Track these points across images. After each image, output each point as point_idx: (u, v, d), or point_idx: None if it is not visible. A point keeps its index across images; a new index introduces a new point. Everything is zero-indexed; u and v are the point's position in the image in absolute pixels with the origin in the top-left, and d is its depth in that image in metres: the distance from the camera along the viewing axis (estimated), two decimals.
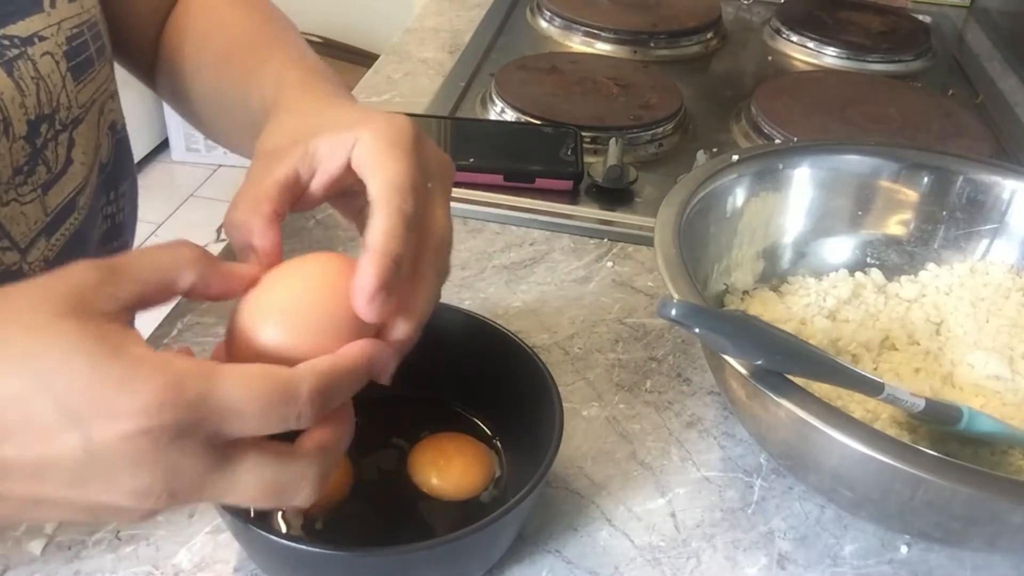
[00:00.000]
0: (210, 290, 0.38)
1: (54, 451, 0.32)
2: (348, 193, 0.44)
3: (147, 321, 0.62)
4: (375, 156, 0.41)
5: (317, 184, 0.42)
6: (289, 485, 0.35)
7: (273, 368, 0.34)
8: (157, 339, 0.63)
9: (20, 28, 0.51)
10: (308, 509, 0.47)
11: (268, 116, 0.48)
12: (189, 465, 0.33)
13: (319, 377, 0.35)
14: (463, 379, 0.55)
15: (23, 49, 0.51)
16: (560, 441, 0.47)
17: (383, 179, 0.40)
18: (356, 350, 0.37)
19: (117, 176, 0.65)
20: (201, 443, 0.33)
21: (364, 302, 0.37)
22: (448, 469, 0.51)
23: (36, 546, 0.48)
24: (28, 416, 0.31)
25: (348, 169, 0.41)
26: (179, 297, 0.37)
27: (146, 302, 0.36)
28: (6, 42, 0.50)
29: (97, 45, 0.58)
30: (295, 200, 0.42)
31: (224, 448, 0.34)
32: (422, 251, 0.41)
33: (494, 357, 0.53)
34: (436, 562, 0.44)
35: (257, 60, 0.55)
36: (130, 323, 0.35)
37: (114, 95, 0.63)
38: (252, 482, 0.34)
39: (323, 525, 0.49)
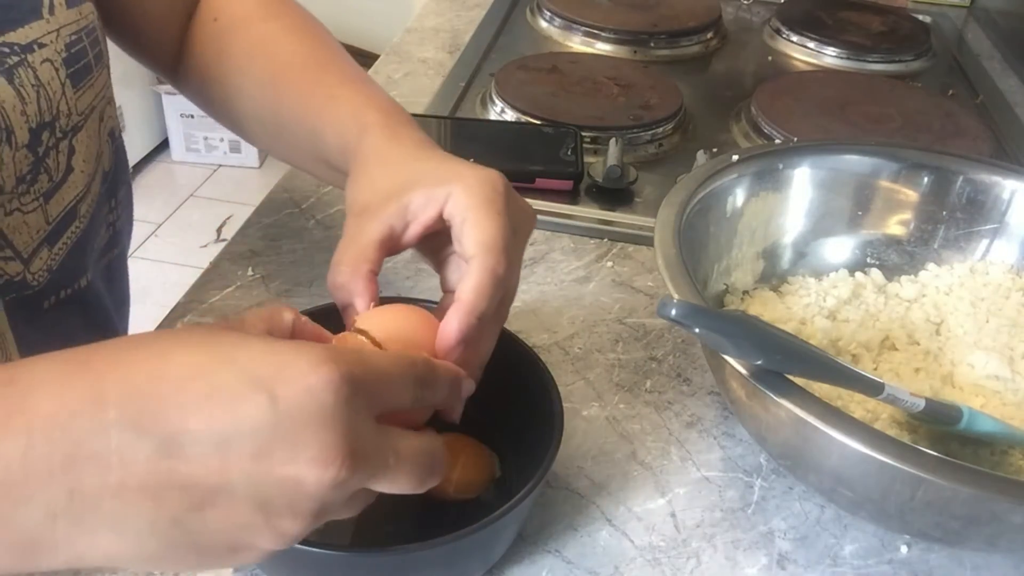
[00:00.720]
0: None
1: (241, 415, 0.32)
2: (432, 237, 0.47)
3: (146, 320, 0.62)
4: (469, 213, 0.44)
5: (410, 236, 0.46)
6: (437, 455, 0.37)
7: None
8: None
9: (19, 35, 0.51)
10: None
11: (352, 160, 0.51)
12: (364, 427, 0.34)
13: (445, 366, 0.38)
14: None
15: (23, 56, 0.51)
16: (560, 441, 0.47)
17: (478, 239, 0.43)
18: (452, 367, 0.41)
19: (116, 183, 0.65)
20: (367, 407, 0.34)
21: (445, 349, 0.42)
22: (449, 469, 0.51)
23: None
24: (213, 386, 0.32)
25: (439, 220, 0.45)
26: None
27: None
28: (6, 50, 0.50)
29: (95, 51, 0.58)
30: (390, 254, 0.46)
31: (381, 420, 0.35)
32: (499, 306, 0.45)
33: (494, 357, 0.53)
34: (436, 562, 0.44)
35: (317, 87, 0.57)
36: None
37: (111, 101, 0.63)
38: (412, 450, 0.36)
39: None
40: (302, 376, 0.32)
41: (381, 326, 0.42)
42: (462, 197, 0.44)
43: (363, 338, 0.42)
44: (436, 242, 0.48)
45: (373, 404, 0.34)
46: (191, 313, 0.65)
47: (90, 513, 0.32)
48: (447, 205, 0.45)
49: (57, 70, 0.53)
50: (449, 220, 0.45)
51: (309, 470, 0.32)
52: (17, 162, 0.51)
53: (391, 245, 0.46)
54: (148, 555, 0.33)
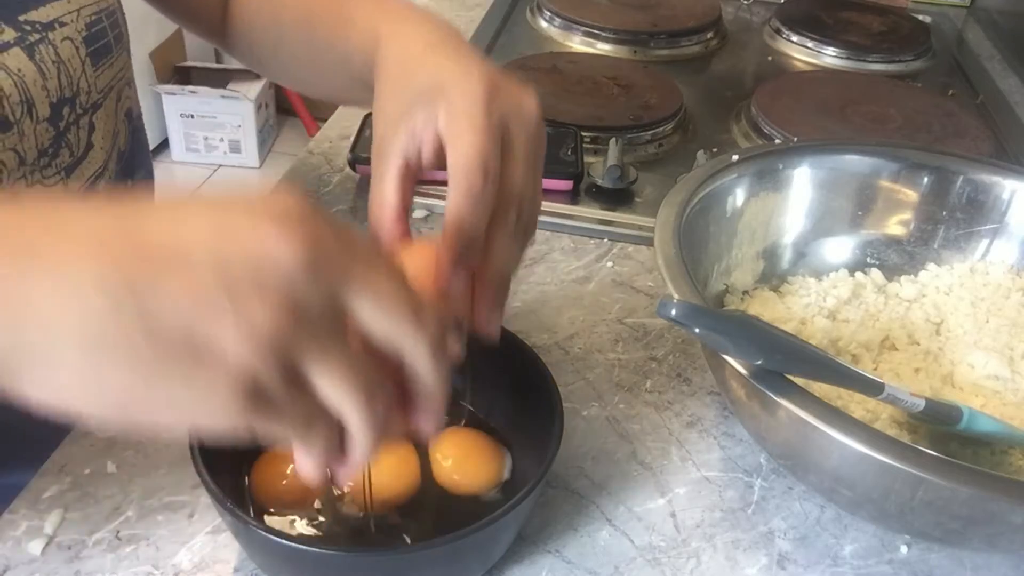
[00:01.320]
0: None
1: (201, 201, 0.30)
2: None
3: None
4: (447, 133, 0.43)
5: (426, 162, 0.44)
6: (375, 389, 0.32)
7: None
8: None
9: (41, 14, 0.53)
10: (376, 507, 0.48)
11: (374, 80, 0.49)
12: (319, 301, 0.30)
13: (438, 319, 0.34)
14: (465, 379, 0.55)
15: (44, 34, 0.53)
16: (560, 441, 0.47)
17: (452, 162, 0.42)
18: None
19: (133, 164, 0.66)
20: (336, 297, 0.31)
21: (444, 282, 0.41)
22: (465, 463, 0.51)
23: (36, 546, 0.48)
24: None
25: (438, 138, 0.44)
26: None
27: None
28: (28, 27, 0.52)
29: (115, 32, 0.59)
30: (416, 180, 0.45)
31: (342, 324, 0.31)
32: (496, 217, 0.42)
33: (494, 357, 0.53)
34: (436, 562, 0.44)
35: (343, 10, 0.56)
36: None
37: (130, 83, 0.64)
38: (357, 364, 0.32)
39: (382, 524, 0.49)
40: (282, 202, 0.30)
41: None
42: (443, 117, 0.43)
43: None
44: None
45: (341, 302, 0.31)
46: None
47: (33, 259, 0.29)
48: (439, 126, 0.44)
49: (77, 48, 0.55)
50: (443, 142, 0.44)
51: (275, 244, 0.29)
52: (38, 135, 0.53)
53: (412, 176, 0.45)
54: (89, 342, 0.28)
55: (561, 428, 0.48)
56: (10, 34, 0.51)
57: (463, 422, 0.54)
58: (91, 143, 0.58)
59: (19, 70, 0.51)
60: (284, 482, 0.48)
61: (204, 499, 0.51)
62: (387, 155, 0.44)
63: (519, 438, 0.53)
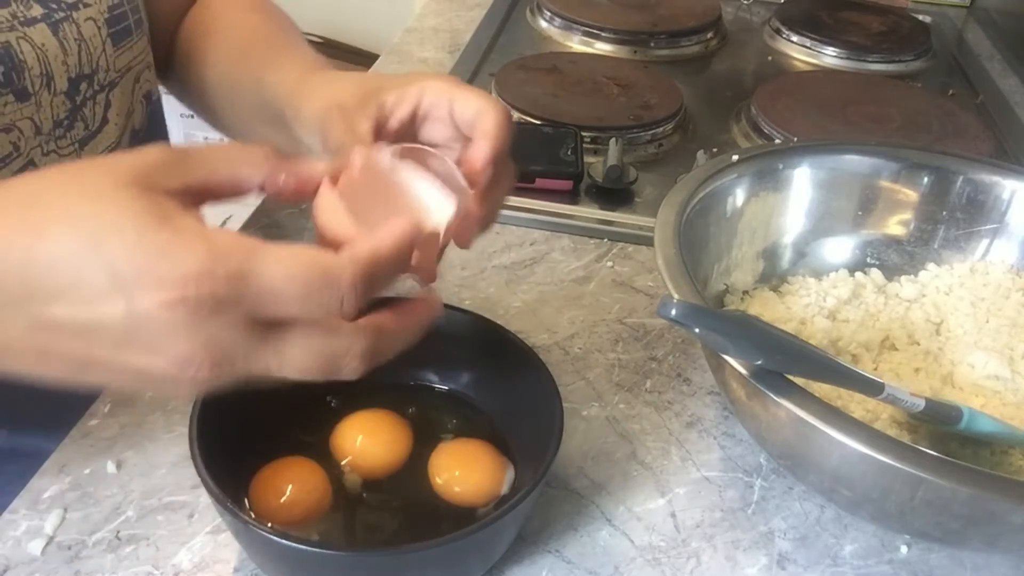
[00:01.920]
0: (280, 187, 0.39)
1: (100, 314, 0.33)
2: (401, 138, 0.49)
3: None
4: (454, 93, 0.48)
5: (395, 123, 0.48)
6: (337, 356, 0.36)
7: (317, 252, 0.34)
8: None
9: None
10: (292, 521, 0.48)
11: (299, 93, 0.53)
12: (230, 337, 0.33)
13: (361, 265, 0.35)
14: (466, 378, 0.55)
15: (68, 13, 0.56)
16: (560, 441, 0.47)
17: (478, 102, 0.47)
18: (397, 231, 0.37)
19: (150, 143, 0.67)
20: (242, 318, 0.33)
21: (477, 170, 0.45)
22: (466, 475, 0.50)
23: (36, 546, 0.48)
24: (79, 277, 0.33)
25: (412, 119, 0.49)
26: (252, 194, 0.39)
27: (213, 192, 0.37)
28: (54, 5, 0.55)
29: (135, 17, 0.62)
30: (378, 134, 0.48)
31: (269, 324, 0.34)
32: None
33: (494, 357, 0.53)
34: (436, 562, 0.44)
35: (273, 55, 0.61)
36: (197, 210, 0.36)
37: (150, 66, 0.67)
38: (299, 354, 0.35)
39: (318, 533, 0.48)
40: (159, 289, 0.32)
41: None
42: (438, 85, 0.48)
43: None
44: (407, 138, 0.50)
45: (252, 313, 0.34)
46: None
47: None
48: (423, 100, 0.48)
49: (99, 28, 0.58)
50: (428, 111, 0.49)
51: (170, 367, 0.33)
52: (55, 107, 0.56)
53: (378, 134, 0.48)
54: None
55: (561, 428, 0.48)
56: (37, 10, 0.54)
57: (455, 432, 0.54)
58: (106, 119, 0.61)
59: (43, 44, 0.54)
60: (283, 499, 0.48)
61: (204, 499, 0.51)
62: (359, 111, 0.48)
63: (519, 438, 0.53)
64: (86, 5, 0.57)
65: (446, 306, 0.54)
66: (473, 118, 0.47)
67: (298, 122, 0.53)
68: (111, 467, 0.53)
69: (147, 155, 0.36)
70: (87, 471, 0.53)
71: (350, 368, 0.36)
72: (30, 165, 0.55)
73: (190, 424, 0.45)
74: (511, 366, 0.52)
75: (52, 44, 0.55)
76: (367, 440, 0.52)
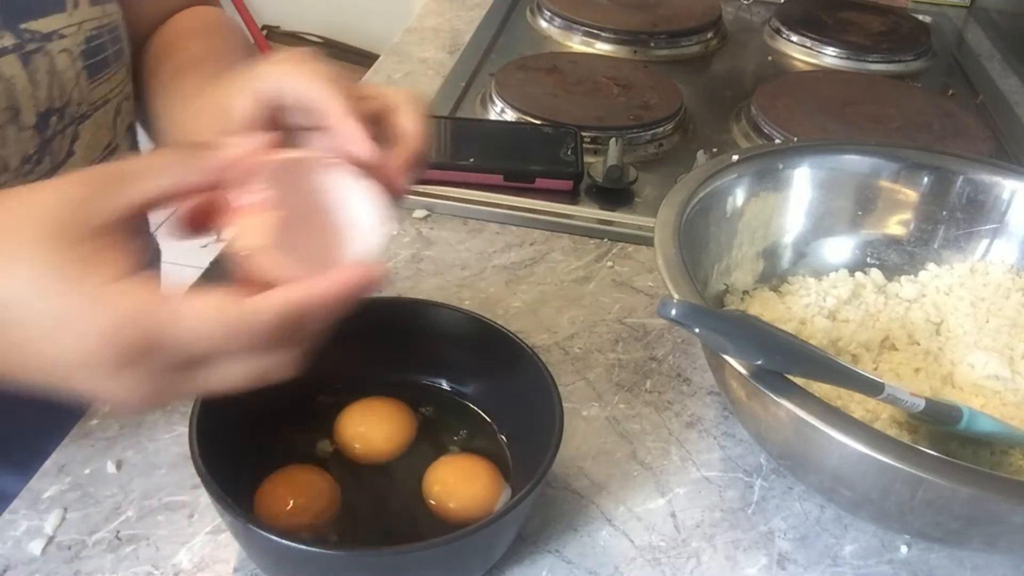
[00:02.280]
0: (202, 184, 0.38)
1: (27, 347, 0.35)
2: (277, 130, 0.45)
3: None
4: (281, 73, 0.44)
5: (236, 124, 0.44)
6: (265, 370, 0.36)
7: (237, 304, 0.34)
8: None
9: (42, 24, 0.54)
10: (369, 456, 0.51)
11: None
12: (151, 381, 0.35)
13: (284, 307, 0.35)
14: (466, 378, 0.55)
15: (42, 44, 0.54)
16: (560, 441, 0.47)
17: (399, 98, 0.46)
18: (336, 277, 0.36)
19: None
20: (161, 365, 0.34)
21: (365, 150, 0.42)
22: (460, 490, 0.50)
23: (36, 546, 0.48)
24: (7, 310, 0.34)
25: (259, 105, 0.44)
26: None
27: (157, 205, 0.37)
28: (27, 35, 0.53)
29: (115, 48, 0.60)
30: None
31: (190, 361, 0.35)
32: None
33: (494, 357, 0.53)
34: (436, 562, 0.44)
35: (205, 76, 0.58)
36: (141, 224, 0.37)
37: (130, 97, 0.65)
38: (226, 377, 0.36)
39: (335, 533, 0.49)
40: (76, 344, 0.33)
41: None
42: (270, 72, 0.44)
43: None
44: (279, 130, 0.45)
45: (173, 359, 0.34)
46: None
47: None
48: (259, 86, 0.44)
49: (75, 60, 0.56)
50: (274, 98, 0.44)
51: (97, 397, 0.35)
52: (22, 141, 0.53)
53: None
54: None
55: (561, 428, 0.48)
56: (9, 40, 0.52)
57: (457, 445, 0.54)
58: (72, 151, 0.58)
59: (11, 76, 0.52)
60: (288, 508, 0.48)
61: (204, 499, 0.51)
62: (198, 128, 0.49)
63: (519, 438, 0.53)
64: (61, 36, 0.55)
65: (448, 306, 0.54)
66: (308, 99, 0.43)
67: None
68: (111, 467, 0.53)
69: (72, 190, 0.35)
70: (87, 471, 0.53)
71: (281, 373, 0.37)
72: None
73: (190, 423, 0.45)
74: (511, 366, 0.52)
75: (21, 77, 0.52)
76: (371, 424, 0.53)
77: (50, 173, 0.56)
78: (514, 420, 0.53)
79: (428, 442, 0.53)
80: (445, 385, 0.56)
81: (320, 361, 0.53)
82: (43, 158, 0.56)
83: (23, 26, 0.53)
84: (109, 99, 0.61)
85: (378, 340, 0.54)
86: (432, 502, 0.50)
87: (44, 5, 0.54)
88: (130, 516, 0.50)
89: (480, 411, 0.55)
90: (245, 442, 0.50)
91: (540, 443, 0.47)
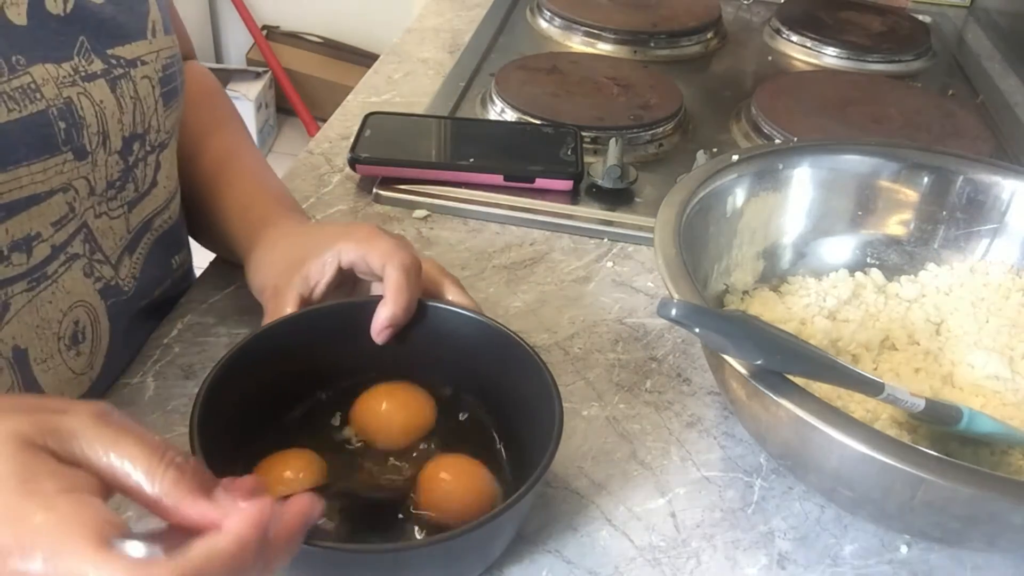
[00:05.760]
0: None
1: None
2: (340, 286, 0.57)
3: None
4: (365, 251, 0.54)
5: (318, 294, 0.56)
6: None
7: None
8: (157, 339, 0.63)
9: (127, 50, 0.56)
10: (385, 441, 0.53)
11: (246, 253, 0.61)
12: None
13: (181, 569, 0.33)
14: (465, 378, 0.55)
15: (127, 70, 0.55)
16: (559, 441, 0.47)
17: (378, 260, 0.54)
18: (234, 528, 0.34)
19: None
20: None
21: (378, 330, 0.53)
22: (454, 494, 0.49)
23: None
24: None
25: (339, 273, 0.55)
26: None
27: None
28: (113, 61, 0.54)
29: (181, 78, 0.62)
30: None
31: None
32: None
33: (495, 357, 0.53)
34: (434, 560, 0.44)
35: (220, 184, 0.67)
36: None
37: None
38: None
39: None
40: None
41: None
42: (350, 246, 0.55)
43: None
44: (346, 285, 0.58)
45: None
46: (191, 313, 0.65)
47: None
48: (343, 261, 0.55)
49: (154, 87, 0.58)
50: (352, 267, 0.55)
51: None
52: (109, 166, 0.55)
53: (306, 304, 0.55)
54: None
55: (561, 428, 0.48)
56: (98, 65, 0.53)
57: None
58: (156, 181, 0.60)
59: (101, 101, 0.53)
60: (286, 478, 0.48)
61: None
62: (286, 293, 0.55)
63: (519, 437, 0.53)
64: (143, 63, 0.57)
65: (448, 306, 0.54)
66: (381, 271, 0.54)
67: (246, 277, 0.61)
68: None
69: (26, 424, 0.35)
70: None
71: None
72: (83, 228, 0.54)
73: (190, 427, 0.46)
74: (511, 366, 0.52)
75: (110, 101, 0.54)
76: (390, 409, 0.53)
77: (133, 201, 0.58)
78: (514, 419, 0.53)
79: (427, 441, 0.53)
80: (446, 385, 0.56)
81: (318, 360, 0.54)
82: (126, 185, 0.57)
83: (110, 52, 0.54)
84: (177, 129, 0.63)
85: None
86: (424, 504, 0.49)
87: (129, 32, 0.56)
88: (130, 516, 0.50)
89: (480, 410, 0.55)
90: (248, 434, 0.51)
91: (540, 442, 0.47)
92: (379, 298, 0.53)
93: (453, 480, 0.50)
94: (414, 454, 0.52)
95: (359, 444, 0.53)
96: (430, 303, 0.55)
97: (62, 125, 0.51)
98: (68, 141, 0.51)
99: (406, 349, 0.55)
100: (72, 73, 0.52)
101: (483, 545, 0.46)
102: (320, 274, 0.55)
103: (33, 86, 0.49)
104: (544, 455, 0.46)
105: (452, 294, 0.57)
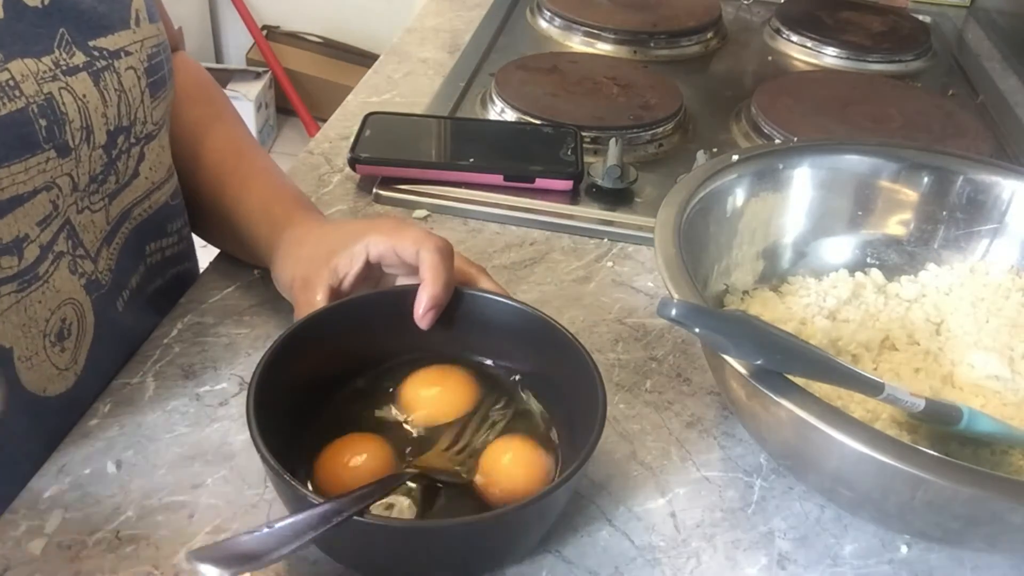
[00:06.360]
0: None
1: None
2: (366, 278, 0.58)
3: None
4: (393, 242, 0.55)
5: (347, 286, 0.56)
6: None
7: None
8: (157, 339, 0.63)
9: (109, 41, 0.54)
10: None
11: (271, 252, 0.61)
12: None
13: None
14: (509, 364, 0.57)
15: (110, 62, 0.54)
16: (604, 423, 0.48)
17: (414, 248, 0.54)
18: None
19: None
20: None
21: (421, 314, 0.53)
22: (513, 480, 0.50)
23: (36, 546, 0.48)
24: None
25: (367, 266, 0.56)
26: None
27: None
28: (96, 53, 0.53)
29: (168, 67, 0.61)
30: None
31: None
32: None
33: (535, 343, 0.54)
34: (502, 530, 0.45)
35: (232, 185, 0.67)
36: None
37: None
38: None
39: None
40: None
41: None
42: (378, 239, 0.56)
43: None
44: (371, 279, 0.59)
45: None
46: (191, 313, 0.65)
47: None
48: (371, 254, 0.56)
49: (139, 78, 0.57)
50: (379, 260, 0.56)
51: None
52: (92, 161, 0.54)
53: (335, 298, 0.56)
54: None
55: (605, 411, 0.49)
56: (80, 58, 0.52)
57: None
58: (137, 172, 0.59)
59: (84, 95, 0.52)
60: (348, 470, 0.49)
61: (204, 500, 0.51)
62: (316, 285, 0.56)
63: (567, 421, 0.54)
64: (127, 53, 0.55)
65: (482, 293, 0.56)
66: (414, 258, 0.54)
67: (273, 276, 0.61)
68: (111, 467, 0.53)
69: None
70: (87, 471, 0.53)
71: None
72: (66, 225, 0.53)
73: (247, 413, 0.46)
74: (552, 352, 0.53)
75: (93, 95, 0.53)
76: (437, 388, 0.55)
77: (114, 193, 0.58)
78: (559, 404, 0.54)
79: (483, 418, 0.54)
80: (490, 371, 0.57)
81: (363, 349, 0.56)
82: (108, 177, 0.56)
83: (92, 43, 0.53)
84: (167, 121, 0.62)
85: (418, 328, 0.55)
86: (481, 486, 0.50)
87: (112, 22, 0.55)
88: (130, 516, 0.50)
89: (528, 395, 0.56)
90: (298, 427, 0.51)
91: (585, 424, 0.49)
92: (417, 285, 0.54)
93: (513, 461, 0.51)
94: (469, 436, 0.53)
95: (410, 422, 0.54)
96: (467, 290, 0.55)
97: (43, 123, 0.49)
98: (50, 139, 0.50)
99: (448, 336, 0.56)
100: (53, 67, 0.50)
101: (541, 516, 0.47)
102: (349, 266, 0.56)
103: (12, 83, 0.48)
104: (590, 435, 0.47)
105: (485, 283, 0.58)
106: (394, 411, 0.54)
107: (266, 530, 0.40)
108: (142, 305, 0.64)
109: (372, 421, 0.54)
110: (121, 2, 0.56)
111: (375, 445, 0.51)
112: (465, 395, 0.55)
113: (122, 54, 0.55)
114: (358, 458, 0.50)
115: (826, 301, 0.63)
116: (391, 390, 0.55)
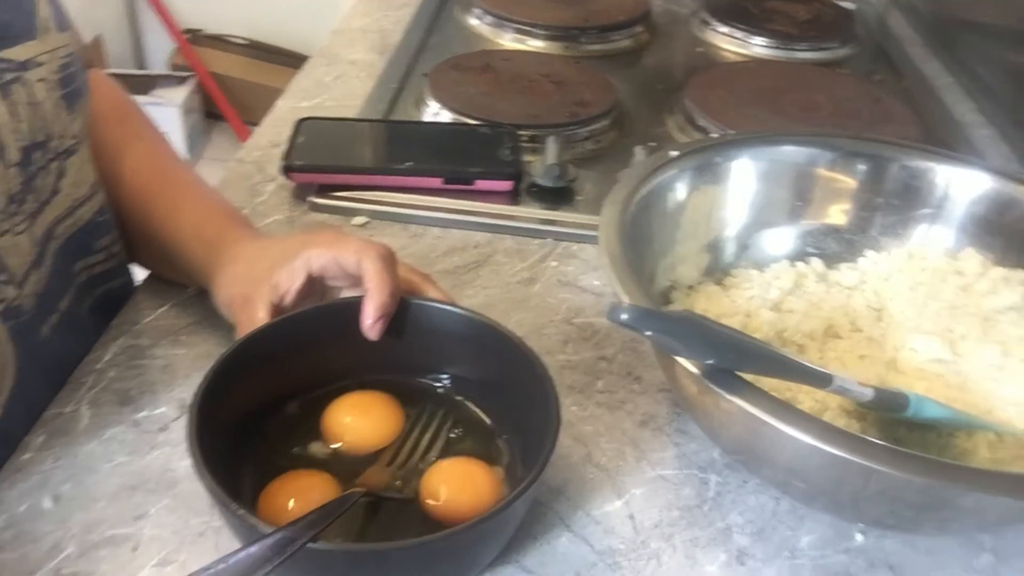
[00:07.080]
0: None
1: None
2: (310, 292, 0.56)
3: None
4: (335, 254, 0.54)
5: (288, 302, 0.55)
6: None
7: None
8: (89, 365, 0.60)
9: (16, 52, 0.52)
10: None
11: (207, 272, 0.59)
12: None
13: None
14: (457, 373, 0.56)
15: (19, 74, 0.51)
16: (559, 428, 0.48)
17: (357, 260, 0.53)
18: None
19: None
20: None
21: (369, 325, 0.52)
22: (459, 497, 0.49)
23: None
24: None
25: (309, 280, 0.55)
26: None
27: None
28: (3, 65, 0.50)
29: (84, 77, 0.58)
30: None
31: None
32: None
33: (482, 350, 0.53)
34: (450, 551, 0.44)
35: (163, 204, 0.65)
36: None
37: None
38: None
39: None
40: None
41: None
42: (318, 252, 0.54)
43: None
44: (315, 294, 0.57)
45: None
46: (125, 335, 0.63)
47: None
48: (312, 268, 0.54)
49: (52, 90, 0.54)
50: (322, 273, 0.55)
51: None
52: (8, 180, 0.51)
53: (277, 315, 0.54)
54: None
55: (559, 415, 0.48)
56: None
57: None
58: (58, 188, 0.57)
59: None
60: (290, 507, 0.47)
61: (148, 531, 0.49)
62: (256, 303, 0.54)
63: (518, 428, 0.53)
64: (37, 64, 0.53)
65: (428, 302, 0.55)
66: (356, 268, 0.53)
67: (211, 297, 0.59)
68: (47, 502, 0.51)
69: None
70: (22, 508, 0.50)
71: None
72: None
73: (189, 442, 0.44)
74: (499, 358, 0.52)
75: (1, 110, 0.50)
76: (358, 419, 0.53)
77: (34, 213, 0.55)
78: (510, 410, 0.53)
79: (421, 434, 0.53)
80: (439, 381, 0.56)
81: (306, 365, 0.54)
82: (27, 196, 0.53)
83: None
84: (88, 135, 0.59)
85: (365, 341, 0.53)
86: (431, 509, 0.49)
87: (17, 32, 0.52)
88: (71, 553, 0.48)
89: (476, 404, 0.55)
90: (239, 452, 0.50)
91: (537, 431, 0.48)
92: (361, 297, 0.52)
93: (455, 488, 0.50)
94: (408, 452, 0.52)
95: (340, 450, 0.52)
96: (413, 300, 0.54)
97: None
98: None
99: (395, 347, 0.54)
100: None
101: (498, 530, 0.46)
102: (290, 281, 0.54)
103: None
104: (545, 442, 0.46)
105: (431, 291, 0.57)
106: (321, 445, 0.53)
107: (222, 566, 0.38)
108: (72, 328, 0.61)
109: (305, 457, 0.52)
110: (25, 11, 0.53)
111: (316, 480, 0.49)
112: (389, 420, 0.53)
113: (31, 65, 0.52)
114: (302, 495, 0.48)
115: (770, 292, 0.63)
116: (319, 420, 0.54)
